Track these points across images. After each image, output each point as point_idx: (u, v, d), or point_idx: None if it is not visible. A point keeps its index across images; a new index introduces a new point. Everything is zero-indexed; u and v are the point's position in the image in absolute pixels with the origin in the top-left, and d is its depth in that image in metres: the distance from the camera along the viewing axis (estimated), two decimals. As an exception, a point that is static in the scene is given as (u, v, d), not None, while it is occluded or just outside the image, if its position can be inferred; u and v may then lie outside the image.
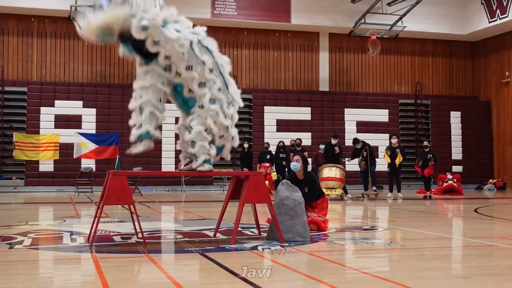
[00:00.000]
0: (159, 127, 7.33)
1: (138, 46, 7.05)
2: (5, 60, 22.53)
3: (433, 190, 20.61)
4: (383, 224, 10.37)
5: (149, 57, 7.12)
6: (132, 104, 7.26)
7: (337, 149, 18.22)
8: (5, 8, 21.98)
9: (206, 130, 7.09)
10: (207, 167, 7.18)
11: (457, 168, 25.56)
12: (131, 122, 7.26)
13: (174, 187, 22.95)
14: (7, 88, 22.34)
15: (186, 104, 7.32)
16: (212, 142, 7.22)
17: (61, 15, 22.32)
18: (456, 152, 26.66)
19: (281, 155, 20.45)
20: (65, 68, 23.15)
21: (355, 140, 19.01)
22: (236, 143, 7.50)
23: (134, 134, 7.19)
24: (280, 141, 21.12)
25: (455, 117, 26.88)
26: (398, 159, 18.23)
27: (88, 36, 7.07)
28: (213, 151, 7.19)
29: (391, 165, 18.40)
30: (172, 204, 16.16)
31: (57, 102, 22.64)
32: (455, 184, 21.44)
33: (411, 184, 24.13)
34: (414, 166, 20.01)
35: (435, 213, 13.67)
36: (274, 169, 20.28)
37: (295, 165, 8.60)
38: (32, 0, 21.73)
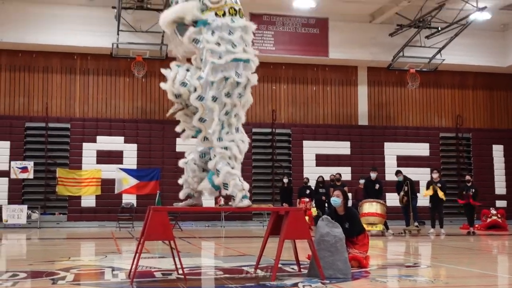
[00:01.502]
0: None
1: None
2: (49, 97, 23.04)
3: (476, 225, 20.19)
4: (426, 261, 10.19)
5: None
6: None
7: (377, 186, 18.10)
8: (50, 47, 22.55)
9: (232, 167, 7.15)
10: (246, 202, 7.21)
11: (501, 203, 25.02)
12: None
13: (214, 222, 22.96)
14: (51, 125, 22.81)
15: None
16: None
17: (103, 52, 22.80)
18: (500, 187, 26.13)
19: (320, 190, 20.34)
20: (107, 104, 23.56)
21: (397, 172, 18.88)
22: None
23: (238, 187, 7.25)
24: (320, 176, 21.00)
25: (498, 151, 26.42)
26: (440, 193, 17.96)
27: (165, 29, 7.49)
28: (246, 185, 7.23)
29: (433, 200, 18.13)
30: (212, 240, 16.16)
31: (99, 138, 23.00)
32: (499, 220, 20.97)
33: (454, 219, 23.68)
34: (457, 200, 19.64)
35: (479, 249, 13.39)
36: (314, 205, 20.17)
37: (336, 200, 8.55)
38: (75, 38, 22.24)
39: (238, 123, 7.42)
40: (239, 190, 7.15)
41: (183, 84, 7.33)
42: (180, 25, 7.44)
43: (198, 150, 7.47)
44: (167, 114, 7.79)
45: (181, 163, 7.63)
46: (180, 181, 7.63)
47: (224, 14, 7.29)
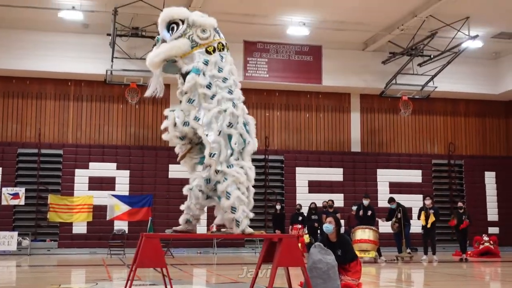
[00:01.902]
0: None
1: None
2: (42, 123, 23.02)
3: (469, 252, 20.18)
4: (419, 288, 10.15)
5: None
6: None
7: (369, 212, 18.12)
8: (44, 73, 22.59)
9: (242, 193, 7.19)
10: (250, 230, 7.25)
11: (493, 230, 25.02)
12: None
13: (206, 249, 22.84)
14: (43, 151, 22.75)
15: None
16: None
17: (97, 79, 22.87)
18: (492, 213, 26.15)
19: (313, 216, 20.29)
20: (100, 130, 23.55)
21: (390, 199, 18.88)
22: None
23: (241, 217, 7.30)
24: (312, 203, 20.97)
25: (490, 177, 26.49)
26: (431, 219, 17.97)
27: (153, 69, 7.54)
28: (251, 214, 7.27)
29: (425, 226, 18.13)
30: (204, 267, 16.07)
31: (91, 164, 22.94)
32: (491, 246, 20.96)
33: (447, 246, 23.65)
34: (448, 222, 19.63)
35: (472, 276, 13.36)
36: (306, 231, 20.11)
37: (328, 227, 8.54)
38: (69, 64, 22.30)
39: (247, 150, 7.53)
40: (245, 217, 7.20)
41: (185, 124, 7.42)
42: (168, 63, 7.52)
43: (203, 176, 7.48)
44: (178, 159, 7.82)
45: (185, 190, 7.65)
46: (182, 207, 7.66)
47: (214, 50, 7.44)
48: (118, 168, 23.11)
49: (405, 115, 24.73)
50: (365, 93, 25.63)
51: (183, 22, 7.46)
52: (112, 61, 21.55)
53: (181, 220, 7.59)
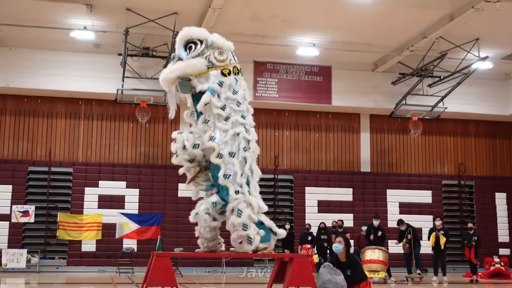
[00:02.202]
0: None
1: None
2: (52, 142, 23.14)
3: (479, 274, 20.01)
4: (429, 309, 10.08)
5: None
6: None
7: (380, 233, 18.07)
8: (55, 92, 22.75)
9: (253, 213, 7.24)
10: (263, 245, 7.30)
11: (504, 251, 24.85)
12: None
13: (214, 268, 22.76)
14: (53, 169, 22.85)
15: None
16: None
17: (107, 98, 23.00)
18: (503, 235, 25.97)
19: (322, 236, 20.23)
20: (110, 149, 23.64)
21: (400, 221, 18.80)
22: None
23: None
24: (322, 223, 20.92)
25: (500, 198, 26.34)
26: (442, 240, 17.87)
27: (166, 86, 7.61)
28: (262, 231, 7.29)
29: (436, 247, 18.03)
30: (213, 286, 16.01)
31: (101, 182, 23.01)
32: (502, 268, 20.80)
33: (457, 267, 23.48)
34: (463, 248, 19.47)
35: (483, 298, 13.24)
36: (316, 251, 20.03)
37: (338, 247, 8.50)
38: (80, 84, 22.45)
39: (254, 179, 7.65)
40: (257, 234, 7.25)
41: (195, 146, 7.48)
42: (181, 82, 7.58)
43: (211, 201, 7.52)
44: (186, 183, 7.88)
45: (192, 217, 7.72)
46: (196, 233, 7.77)
47: (229, 73, 7.50)
48: (127, 186, 23.16)
49: (415, 135, 24.69)
50: (375, 114, 25.62)
51: (201, 42, 7.52)
52: (123, 80, 21.68)
53: (199, 243, 7.71)
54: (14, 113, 23.03)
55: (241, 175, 7.36)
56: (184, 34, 7.68)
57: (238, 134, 7.42)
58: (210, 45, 7.52)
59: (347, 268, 8.41)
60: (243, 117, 7.56)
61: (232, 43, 7.75)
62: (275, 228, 7.50)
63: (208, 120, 7.44)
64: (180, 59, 7.59)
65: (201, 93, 7.47)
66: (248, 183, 7.47)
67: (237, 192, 7.27)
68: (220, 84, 7.42)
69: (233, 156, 7.33)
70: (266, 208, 7.70)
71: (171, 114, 7.83)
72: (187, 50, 7.56)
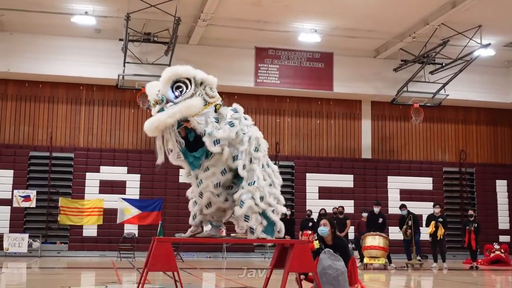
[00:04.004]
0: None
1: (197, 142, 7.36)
2: (54, 127, 23.16)
3: (479, 260, 20.07)
4: (429, 296, 10.12)
5: (194, 148, 7.40)
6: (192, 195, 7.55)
7: (380, 219, 18.11)
8: (56, 77, 22.74)
9: (256, 204, 7.22)
10: (265, 235, 7.28)
11: (504, 238, 24.92)
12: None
13: (215, 253, 22.86)
14: (54, 154, 22.88)
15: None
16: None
17: (108, 83, 22.98)
18: (503, 222, 26.04)
19: (323, 223, 20.23)
20: (111, 134, 23.67)
21: (402, 206, 18.87)
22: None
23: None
24: (322, 209, 20.96)
25: (501, 186, 26.38)
26: (440, 231, 17.92)
27: (160, 131, 7.36)
28: (265, 222, 7.28)
29: (434, 236, 18.09)
30: (214, 271, 16.08)
31: (102, 168, 23.07)
32: (502, 255, 20.86)
33: (457, 254, 23.57)
34: (464, 235, 19.51)
35: (482, 284, 13.30)
36: (316, 237, 20.06)
37: (323, 229, 8.34)
38: (81, 69, 22.45)
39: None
40: (260, 224, 7.24)
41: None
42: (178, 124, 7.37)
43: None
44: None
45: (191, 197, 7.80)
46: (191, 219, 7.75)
47: (220, 107, 7.43)
48: (128, 172, 23.22)
49: (416, 122, 24.67)
50: (376, 100, 25.61)
51: (189, 80, 7.28)
52: (124, 66, 21.66)
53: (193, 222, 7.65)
54: (15, 98, 23.03)
55: (263, 179, 7.39)
56: (170, 73, 7.21)
57: (249, 138, 7.40)
58: (200, 83, 7.30)
59: (335, 251, 8.31)
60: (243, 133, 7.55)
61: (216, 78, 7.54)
62: (278, 224, 7.45)
63: (237, 155, 7.34)
64: (168, 101, 7.29)
65: (198, 137, 7.31)
66: (271, 185, 7.48)
67: (262, 198, 7.27)
68: (217, 121, 7.29)
69: (252, 162, 7.34)
70: (282, 201, 7.62)
71: (159, 161, 7.74)
72: (175, 91, 7.28)
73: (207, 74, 7.47)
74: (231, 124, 7.29)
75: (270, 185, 7.47)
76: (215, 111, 7.33)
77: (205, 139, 7.15)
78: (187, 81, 7.22)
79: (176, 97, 7.16)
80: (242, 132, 7.37)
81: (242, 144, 7.32)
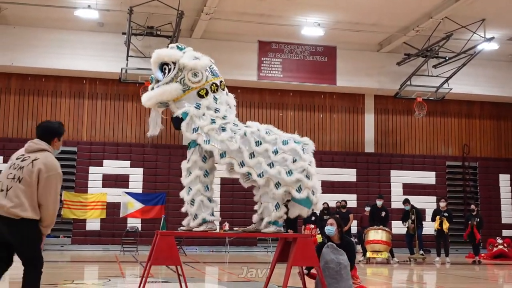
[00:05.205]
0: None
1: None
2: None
3: (482, 255, 20.09)
4: (431, 290, 10.13)
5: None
6: (185, 197, 7.61)
7: (383, 213, 18.11)
8: (59, 71, 22.75)
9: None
10: (272, 228, 7.26)
11: (507, 233, 24.89)
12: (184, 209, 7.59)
13: (218, 247, 22.90)
14: (58, 148, 22.87)
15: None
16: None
17: (111, 77, 22.98)
18: (506, 216, 26.02)
19: (325, 217, 20.18)
20: (114, 128, 23.68)
21: (405, 200, 18.88)
22: (318, 192, 7.57)
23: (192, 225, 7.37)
24: (325, 203, 20.92)
25: (504, 180, 26.35)
26: (445, 225, 17.92)
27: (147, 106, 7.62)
28: (279, 213, 7.26)
29: (440, 230, 18.09)
30: (216, 265, 16.11)
31: (105, 161, 23.10)
32: (505, 249, 20.87)
33: (460, 248, 23.56)
34: (466, 229, 19.51)
35: (485, 279, 13.30)
36: (319, 231, 20.10)
37: (330, 229, 8.31)
38: (84, 63, 22.45)
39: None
40: (267, 215, 7.24)
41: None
42: (163, 105, 7.50)
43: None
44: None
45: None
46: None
47: (206, 93, 7.24)
48: (132, 166, 23.24)
49: (419, 116, 24.63)
50: (379, 94, 25.58)
51: (174, 63, 7.29)
52: (127, 59, 21.64)
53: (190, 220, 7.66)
54: (18, 92, 23.05)
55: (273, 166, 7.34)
56: (155, 57, 7.43)
57: (245, 133, 7.27)
58: (182, 68, 7.27)
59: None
60: (235, 125, 7.33)
61: (208, 58, 7.37)
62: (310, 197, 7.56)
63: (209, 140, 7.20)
64: (158, 81, 7.44)
65: (179, 119, 7.29)
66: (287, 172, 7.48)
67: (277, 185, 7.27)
68: (198, 107, 7.20)
69: (253, 157, 7.24)
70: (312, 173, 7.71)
71: (150, 133, 7.74)
72: (163, 72, 7.37)
73: None
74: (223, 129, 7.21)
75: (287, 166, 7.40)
76: (201, 96, 7.24)
77: (182, 124, 7.18)
78: (172, 64, 7.29)
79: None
80: (235, 139, 7.23)
81: (240, 151, 7.21)
